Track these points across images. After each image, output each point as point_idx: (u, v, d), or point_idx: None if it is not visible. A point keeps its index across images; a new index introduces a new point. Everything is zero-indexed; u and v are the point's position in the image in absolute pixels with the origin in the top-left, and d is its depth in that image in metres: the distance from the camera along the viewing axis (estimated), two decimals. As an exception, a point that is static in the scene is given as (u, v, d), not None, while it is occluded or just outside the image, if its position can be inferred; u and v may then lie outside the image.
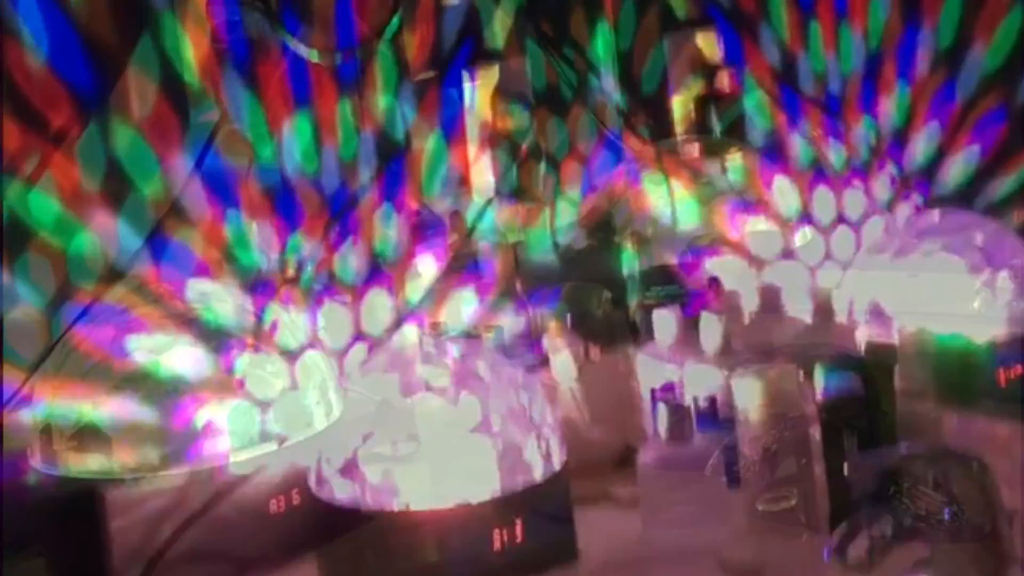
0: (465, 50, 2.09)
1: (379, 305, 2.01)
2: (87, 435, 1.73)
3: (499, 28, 2.11)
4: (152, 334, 1.80)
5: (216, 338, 1.85)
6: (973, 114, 2.42)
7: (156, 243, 1.86)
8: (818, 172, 2.32)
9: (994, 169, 2.41)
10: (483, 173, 2.09)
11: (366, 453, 1.67)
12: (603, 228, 2.21)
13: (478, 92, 2.07)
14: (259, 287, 1.91)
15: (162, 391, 1.76)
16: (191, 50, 1.87)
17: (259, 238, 1.92)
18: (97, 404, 1.73)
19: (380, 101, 2.02)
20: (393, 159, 2.04)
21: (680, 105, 2.24)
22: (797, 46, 2.31)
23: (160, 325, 1.80)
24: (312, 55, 1.92)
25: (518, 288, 2.09)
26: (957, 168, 2.42)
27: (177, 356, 1.81)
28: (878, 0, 2.35)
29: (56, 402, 1.74)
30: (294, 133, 1.95)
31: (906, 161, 2.39)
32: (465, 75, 2.07)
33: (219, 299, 1.86)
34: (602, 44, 2.20)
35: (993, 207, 2.35)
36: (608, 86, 2.21)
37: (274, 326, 1.90)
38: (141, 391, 1.75)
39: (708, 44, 2.24)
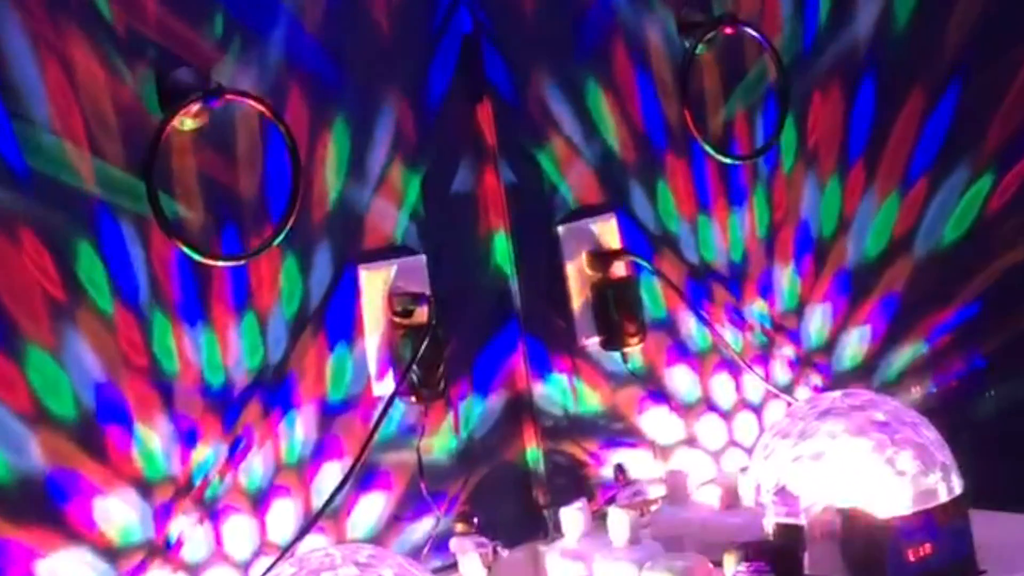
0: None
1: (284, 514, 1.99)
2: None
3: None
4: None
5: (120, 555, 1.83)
6: (865, 293, 2.46)
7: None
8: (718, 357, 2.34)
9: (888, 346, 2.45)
10: (383, 371, 2.09)
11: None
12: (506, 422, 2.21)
13: (374, 289, 2.08)
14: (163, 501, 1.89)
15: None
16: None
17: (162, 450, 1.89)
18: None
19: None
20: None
21: (577, 294, 2.25)
22: (692, 228, 2.34)
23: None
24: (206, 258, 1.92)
25: (423, 489, 2.08)
26: (852, 347, 2.45)
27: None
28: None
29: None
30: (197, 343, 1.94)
31: (803, 342, 2.42)
32: (361, 271, 2.07)
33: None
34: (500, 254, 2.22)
35: (889, 384, 2.38)
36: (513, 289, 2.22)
37: (179, 542, 1.87)
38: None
39: (605, 231, 2.27)
